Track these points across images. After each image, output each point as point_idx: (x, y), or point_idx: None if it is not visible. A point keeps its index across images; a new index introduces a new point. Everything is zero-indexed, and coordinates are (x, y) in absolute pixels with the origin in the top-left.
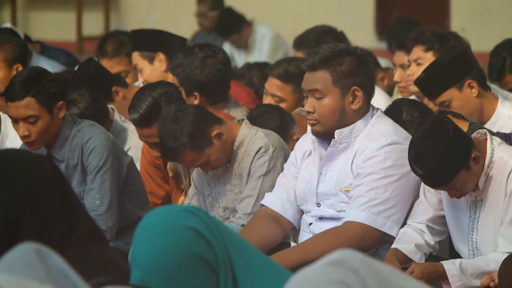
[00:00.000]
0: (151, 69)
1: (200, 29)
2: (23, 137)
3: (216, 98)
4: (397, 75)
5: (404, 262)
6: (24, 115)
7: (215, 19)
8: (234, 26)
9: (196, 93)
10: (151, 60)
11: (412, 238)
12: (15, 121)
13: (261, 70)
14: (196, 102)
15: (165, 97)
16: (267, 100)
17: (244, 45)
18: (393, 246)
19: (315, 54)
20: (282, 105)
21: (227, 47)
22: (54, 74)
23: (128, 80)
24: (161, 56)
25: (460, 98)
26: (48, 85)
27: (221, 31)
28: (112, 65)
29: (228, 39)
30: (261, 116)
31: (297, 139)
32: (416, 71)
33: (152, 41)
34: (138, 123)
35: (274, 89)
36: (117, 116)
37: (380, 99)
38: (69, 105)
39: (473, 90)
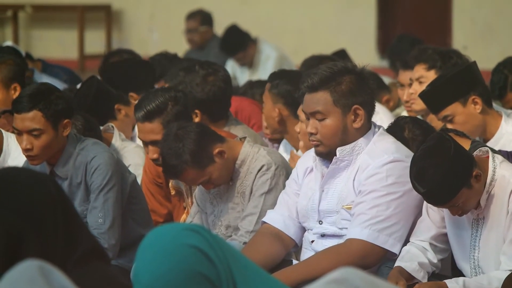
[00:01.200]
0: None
1: (190, 47)
2: (25, 150)
3: (217, 115)
4: (405, 94)
5: (407, 280)
6: (29, 127)
7: (205, 35)
8: (240, 43)
9: (197, 111)
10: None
11: (415, 256)
12: (19, 133)
13: (263, 87)
14: (197, 119)
15: (173, 100)
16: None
17: (249, 63)
18: (396, 264)
19: (314, 74)
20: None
21: (230, 64)
22: (63, 92)
23: None
24: (134, 95)
25: (463, 113)
26: (56, 101)
27: (226, 48)
28: None
29: (234, 56)
30: None
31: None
32: (418, 89)
33: (121, 81)
34: (141, 116)
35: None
36: (117, 134)
37: (384, 118)
38: None
39: (477, 106)
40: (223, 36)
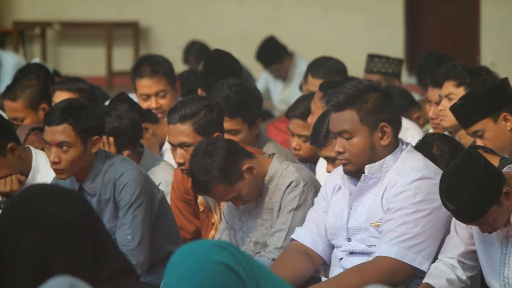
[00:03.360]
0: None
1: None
2: (52, 163)
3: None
4: (432, 111)
5: None
6: (58, 140)
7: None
8: (276, 55)
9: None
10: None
11: (443, 273)
12: (49, 146)
13: None
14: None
15: (207, 107)
16: (294, 141)
17: (283, 76)
18: (424, 280)
19: (340, 93)
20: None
21: (264, 76)
22: (95, 110)
23: (165, 100)
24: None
25: (494, 129)
26: (87, 117)
27: (262, 59)
28: (151, 84)
29: (269, 68)
30: None
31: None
32: (447, 106)
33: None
34: (174, 118)
35: (299, 130)
36: (146, 152)
37: (414, 135)
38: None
39: (507, 123)
40: (260, 47)
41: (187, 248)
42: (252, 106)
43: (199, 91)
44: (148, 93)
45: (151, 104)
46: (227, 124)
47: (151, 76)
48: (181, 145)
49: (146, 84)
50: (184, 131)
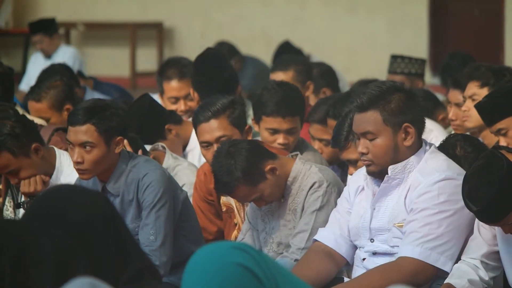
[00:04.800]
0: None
1: None
2: (76, 163)
3: None
4: (452, 113)
5: None
6: (81, 140)
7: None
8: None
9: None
10: None
11: (465, 274)
12: (73, 146)
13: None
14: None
15: (233, 102)
16: (315, 145)
17: None
18: (446, 281)
19: (363, 94)
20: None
21: None
22: (119, 110)
23: (194, 102)
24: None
25: None
26: (110, 117)
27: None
28: (181, 87)
29: None
30: None
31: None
32: (471, 107)
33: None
34: (207, 115)
35: (320, 134)
36: (169, 153)
37: (439, 136)
38: None
39: None
40: (275, 52)
41: (206, 249)
42: (304, 105)
43: (191, 92)
44: (177, 96)
45: (180, 106)
46: (287, 124)
47: (180, 79)
48: (219, 139)
49: (176, 87)
50: (220, 125)
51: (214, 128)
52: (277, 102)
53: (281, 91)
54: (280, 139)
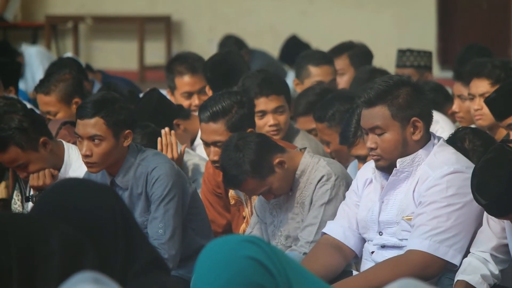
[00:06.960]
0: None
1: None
2: (84, 156)
3: None
4: (456, 105)
5: None
6: (90, 133)
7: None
8: (299, 54)
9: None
10: None
11: (477, 269)
12: (81, 139)
13: None
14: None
15: (238, 103)
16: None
17: None
18: (459, 277)
19: (370, 89)
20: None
21: (291, 75)
22: (127, 103)
23: (207, 97)
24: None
25: None
26: (119, 110)
27: (286, 58)
28: (194, 82)
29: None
30: None
31: None
32: (484, 105)
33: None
34: (206, 116)
35: (308, 125)
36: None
37: (445, 126)
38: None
39: None
40: (283, 46)
41: (217, 242)
42: (287, 87)
43: (207, 89)
44: (191, 91)
45: (193, 101)
46: (273, 103)
47: (193, 73)
48: (215, 143)
49: (189, 82)
50: (217, 130)
51: (211, 131)
52: (258, 84)
53: (260, 74)
54: (270, 120)
